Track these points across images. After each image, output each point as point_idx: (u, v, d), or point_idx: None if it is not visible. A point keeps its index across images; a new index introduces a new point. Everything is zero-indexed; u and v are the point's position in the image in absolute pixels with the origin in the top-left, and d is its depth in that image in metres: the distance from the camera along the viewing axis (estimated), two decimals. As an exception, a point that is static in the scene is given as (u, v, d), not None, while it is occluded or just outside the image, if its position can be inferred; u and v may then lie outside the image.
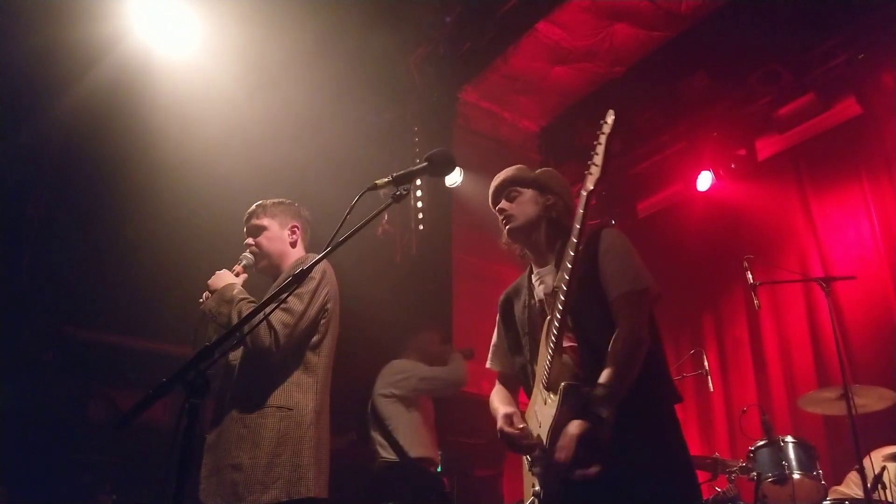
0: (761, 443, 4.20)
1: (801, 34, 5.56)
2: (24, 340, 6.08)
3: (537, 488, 2.14)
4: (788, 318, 5.72)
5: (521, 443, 2.20)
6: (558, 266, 2.28)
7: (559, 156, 8.00)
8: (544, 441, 2.08)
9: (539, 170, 2.59)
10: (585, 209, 2.14)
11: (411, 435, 4.44)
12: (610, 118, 2.13)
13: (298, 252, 3.07)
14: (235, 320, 2.60)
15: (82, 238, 5.96)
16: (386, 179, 2.00)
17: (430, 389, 4.66)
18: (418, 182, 7.20)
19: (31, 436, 5.90)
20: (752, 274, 4.31)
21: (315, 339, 2.81)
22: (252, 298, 2.75)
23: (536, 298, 2.42)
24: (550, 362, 2.12)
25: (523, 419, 2.30)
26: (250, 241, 3.02)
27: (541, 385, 2.19)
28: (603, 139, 2.13)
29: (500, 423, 2.27)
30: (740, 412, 4.69)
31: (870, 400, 4.19)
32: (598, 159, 2.12)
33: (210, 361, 1.56)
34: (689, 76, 6.23)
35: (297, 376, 2.73)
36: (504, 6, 6.52)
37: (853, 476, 4.34)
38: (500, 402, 2.44)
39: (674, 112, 6.59)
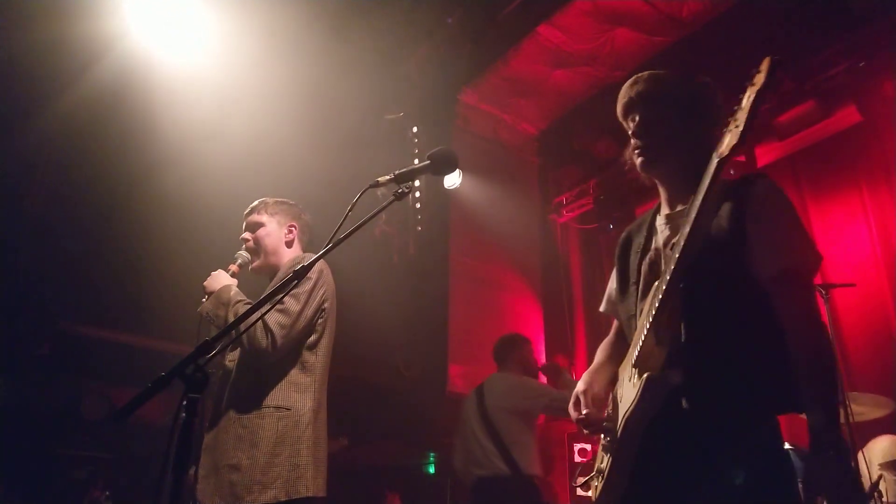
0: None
1: (802, 41, 5.57)
2: (19, 336, 6.07)
3: (603, 465, 1.92)
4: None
5: (590, 427, 1.94)
6: (690, 211, 1.81)
7: (558, 159, 8.02)
8: (619, 421, 1.83)
9: (687, 80, 2.04)
10: (714, 177, 1.69)
11: (529, 451, 4.44)
12: (765, 66, 1.70)
13: (295, 252, 3.06)
14: (234, 333, 2.59)
15: (79, 234, 5.95)
16: (388, 177, 1.99)
17: (557, 409, 4.63)
18: (417, 183, 7.20)
19: (25, 431, 5.88)
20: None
21: (312, 338, 2.80)
22: (249, 300, 2.74)
23: (654, 245, 1.99)
24: (644, 336, 1.78)
25: (609, 387, 2.04)
26: (247, 235, 3.02)
27: (632, 357, 1.85)
28: (753, 92, 1.69)
29: (569, 403, 2.02)
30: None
31: (867, 408, 4.18)
32: (742, 116, 1.68)
33: (209, 356, 1.55)
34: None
35: (295, 376, 2.72)
36: (506, 8, 6.53)
37: None
38: (591, 367, 2.13)
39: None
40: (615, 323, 2.22)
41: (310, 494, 2.56)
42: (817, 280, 5.19)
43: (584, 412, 1.95)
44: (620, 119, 2.06)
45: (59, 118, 5.66)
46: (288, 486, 2.53)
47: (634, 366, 1.82)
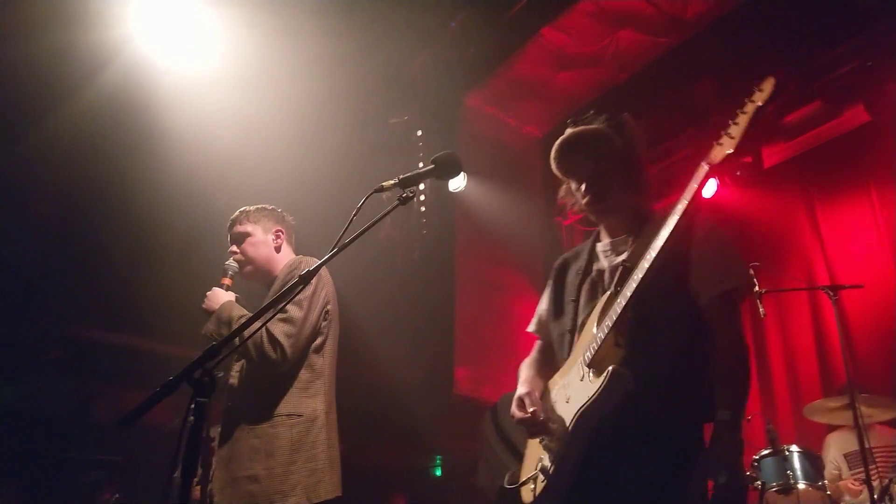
0: (766, 452, 4.19)
1: (808, 41, 5.54)
2: (29, 339, 6.10)
3: (546, 463, 1.98)
4: (794, 327, 5.69)
5: (532, 428, 2.06)
6: (634, 239, 2.09)
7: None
8: (567, 420, 1.92)
9: (616, 125, 2.19)
10: (700, 184, 1.88)
11: None
12: (768, 86, 1.83)
13: (286, 256, 3.04)
14: (238, 341, 2.59)
15: (87, 238, 5.98)
16: (392, 181, 1.99)
17: None
18: (422, 186, 7.21)
19: (35, 435, 5.91)
20: (757, 282, 4.29)
21: (318, 341, 2.80)
22: (250, 314, 2.72)
23: (596, 269, 2.20)
24: (602, 339, 1.90)
25: (540, 398, 2.15)
26: (234, 248, 3.00)
27: (581, 360, 1.97)
28: (750, 108, 1.82)
29: (512, 407, 2.14)
30: (745, 420, 4.66)
31: (876, 410, 4.17)
32: (737, 130, 1.83)
33: (217, 360, 1.55)
34: (694, 83, 6.22)
35: (304, 381, 2.73)
36: (510, 11, 6.53)
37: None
38: (523, 377, 2.29)
39: (679, 119, 6.58)
40: (538, 343, 2.43)
41: (329, 497, 2.58)
42: (825, 281, 5.18)
43: (530, 410, 2.05)
44: (557, 170, 2.26)
45: (66, 123, 5.70)
46: (308, 491, 2.54)
47: (589, 366, 1.93)
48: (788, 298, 5.65)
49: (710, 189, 6.23)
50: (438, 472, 8.69)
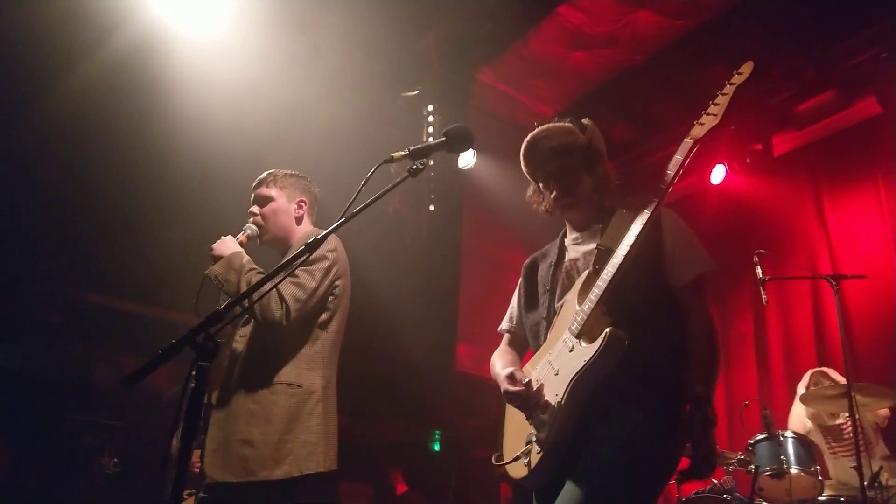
0: (761, 436, 4.22)
1: (825, 29, 5.48)
2: (31, 302, 6.12)
3: (542, 435, 2.02)
4: (794, 315, 5.71)
5: (526, 401, 2.09)
6: (604, 228, 2.21)
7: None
8: (561, 389, 1.98)
9: (579, 126, 2.37)
10: (685, 158, 2.05)
11: None
12: (747, 69, 2.10)
13: (305, 227, 3.02)
14: (244, 289, 2.56)
15: (92, 203, 5.98)
16: (402, 153, 1.98)
17: None
18: (431, 163, 7.18)
19: (35, 397, 5.96)
20: (761, 269, 4.29)
21: (325, 316, 2.80)
22: (260, 269, 2.71)
23: (567, 259, 2.34)
24: (588, 311, 2.00)
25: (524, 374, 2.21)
26: (255, 209, 2.98)
27: (567, 335, 2.06)
28: (730, 89, 2.08)
29: (503, 385, 2.17)
30: (742, 405, 4.70)
31: (871, 398, 4.19)
32: (719, 109, 2.06)
33: (220, 325, 1.56)
34: (709, 67, 6.16)
35: (307, 353, 2.73)
36: (526, -13, 6.46)
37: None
38: (501, 363, 2.38)
39: (692, 103, 6.51)
40: (506, 337, 2.56)
41: (321, 470, 2.59)
42: (828, 271, 5.18)
43: (523, 381, 2.10)
44: (525, 169, 2.45)
45: (76, 89, 5.67)
46: (300, 462, 2.55)
47: (578, 336, 2.01)
48: (791, 286, 5.66)
49: (719, 176, 6.21)
50: (437, 447, 8.76)
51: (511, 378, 2.14)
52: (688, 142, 2.06)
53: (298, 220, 3.01)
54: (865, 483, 3.65)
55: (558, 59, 6.95)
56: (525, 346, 2.48)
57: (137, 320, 6.42)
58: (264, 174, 3.05)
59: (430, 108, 7.31)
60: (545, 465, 2.01)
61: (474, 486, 7.49)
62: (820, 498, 4.06)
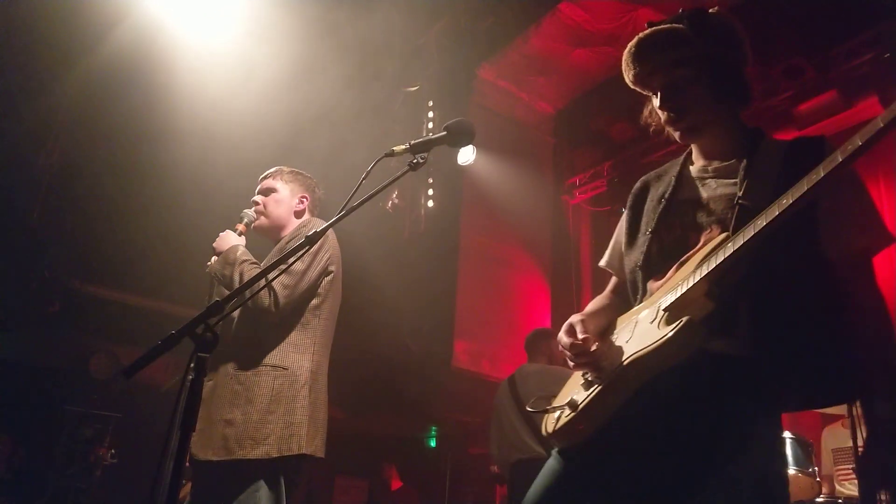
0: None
1: (827, 29, 5.48)
2: (31, 291, 6.12)
3: (578, 399, 1.74)
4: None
5: (580, 358, 1.72)
6: (748, 168, 1.67)
7: (574, 140, 7.96)
8: (621, 359, 1.65)
9: (695, 26, 1.82)
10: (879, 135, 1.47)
11: None
12: None
13: (302, 220, 3.04)
14: (237, 282, 2.62)
15: (92, 195, 5.98)
16: (403, 147, 1.97)
17: None
18: (430, 158, 7.17)
19: (34, 388, 5.96)
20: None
21: (315, 301, 2.80)
22: (255, 260, 2.75)
23: (687, 197, 1.79)
24: (694, 284, 1.57)
25: (602, 332, 1.84)
26: (258, 198, 3.01)
27: (659, 300, 1.67)
28: None
29: (560, 332, 1.80)
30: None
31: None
32: None
33: (220, 317, 1.56)
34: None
35: (295, 337, 2.73)
36: (528, -16, 6.46)
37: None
38: (586, 309, 1.96)
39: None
40: (612, 280, 2.06)
41: (303, 452, 2.58)
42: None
43: (581, 336, 1.73)
44: (632, 84, 1.88)
45: (77, 82, 5.67)
46: (280, 442, 2.55)
47: (666, 309, 1.61)
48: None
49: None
50: (433, 443, 8.78)
51: (570, 329, 1.78)
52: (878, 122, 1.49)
53: (298, 215, 3.03)
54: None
55: (559, 56, 6.95)
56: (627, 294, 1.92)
57: (136, 312, 6.43)
58: (273, 168, 3.09)
59: (431, 103, 7.31)
60: (570, 429, 1.72)
61: (470, 483, 7.50)
62: (818, 499, 4.05)
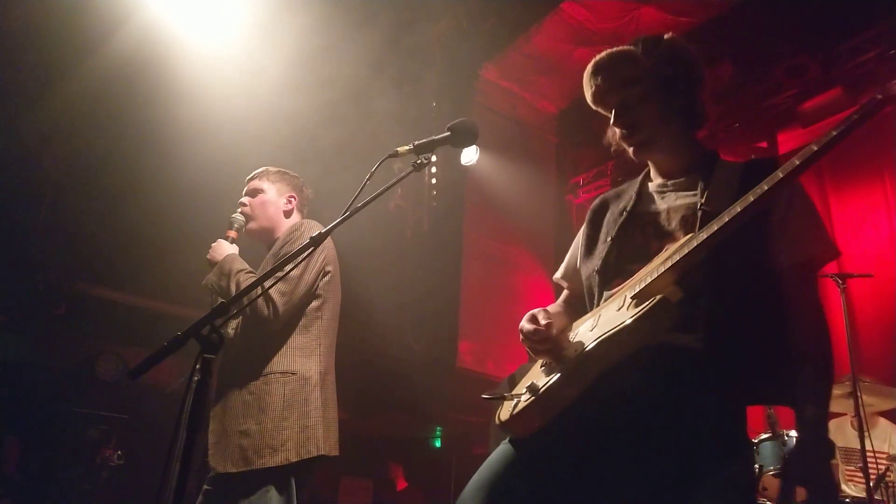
0: (765, 436, 4.19)
1: (831, 27, 5.47)
2: (37, 294, 6.14)
3: (539, 384, 1.73)
4: (799, 314, 5.68)
5: (541, 344, 1.74)
6: (707, 181, 1.76)
7: (577, 139, 7.95)
8: (586, 343, 1.66)
9: (647, 48, 1.91)
10: (865, 116, 1.55)
11: None
12: None
13: (293, 222, 3.02)
14: (234, 292, 2.61)
15: (96, 197, 5.99)
16: (407, 147, 1.98)
17: None
18: (433, 158, 7.17)
19: (41, 389, 5.98)
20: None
21: (316, 303, 2.80)
22: (250, 269, 2.75)
23: (650, 209, 1.87)
24: (662, 273, 1.60)
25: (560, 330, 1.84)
26: (245, 200, 3.01)
27: (628, 293, 1.69)
28: None
29: (522, 321, 1.82)
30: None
31: (877, 399, 4.18)
32: None
33: (225, 318, 1.56)
34: (714, 65, 6.15)
35: (299, 341, 2.73)
36: (531, -17, 6.46)
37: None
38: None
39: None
40: (564, 293, 2.14)
41: (321, 453, 2.59)
42: (834, 269, 5.16)
43: (543, 322, 1.76)
44: (591, 104, 2.01)
45: (79, 84, 5.68)
46: (298, 446, 2.56)
47: (634, 297, 1.64)
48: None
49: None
50: (438, 444, 8.77)
51: (532, 317, 1.80)
52: (878, 98, 1.56)
53: (287, 214, 3.03)
54: (871, 484, 3.64)
55: (562, 55, 6.95)
56: (581, 306, 1.97)
57: (142, 314, 6.44)
58: (258, 169, 3.09)
59: (434, 104, 7.31)
60: (527, 416, 1.71)
61: (475, 483, 7.49)
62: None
